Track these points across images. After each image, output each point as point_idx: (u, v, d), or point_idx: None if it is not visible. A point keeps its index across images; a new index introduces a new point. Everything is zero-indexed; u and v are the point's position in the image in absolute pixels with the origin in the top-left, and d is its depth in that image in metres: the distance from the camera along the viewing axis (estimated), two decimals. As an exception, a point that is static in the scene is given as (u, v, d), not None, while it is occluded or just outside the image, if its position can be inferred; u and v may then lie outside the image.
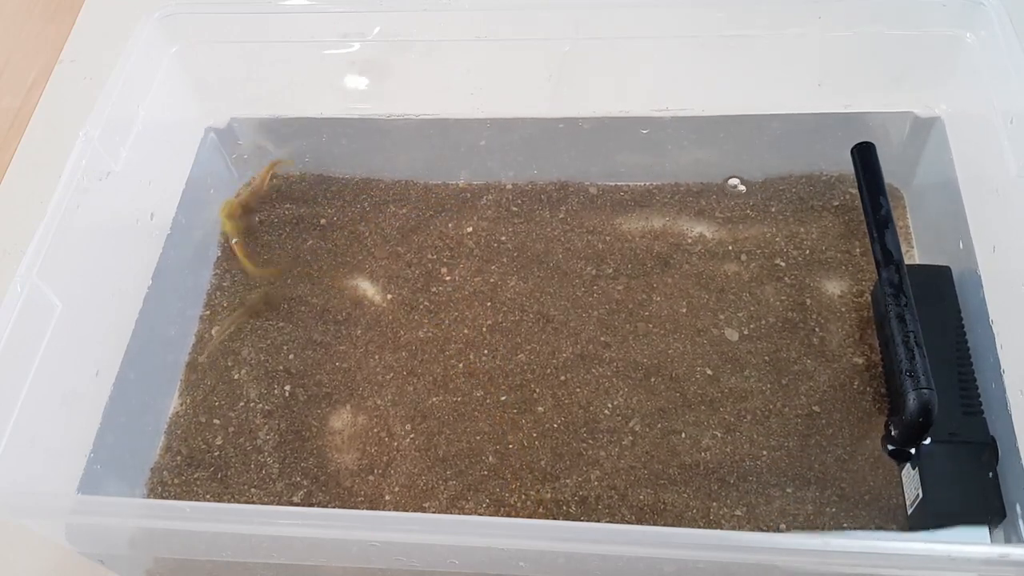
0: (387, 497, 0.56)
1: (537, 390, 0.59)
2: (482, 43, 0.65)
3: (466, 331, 0.62)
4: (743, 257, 0.64)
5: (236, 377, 0.61)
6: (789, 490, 0.54)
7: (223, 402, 0.60)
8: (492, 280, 0.64)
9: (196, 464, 0.58)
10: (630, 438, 0.57)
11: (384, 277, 0.65)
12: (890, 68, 0.64)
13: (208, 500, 0.56)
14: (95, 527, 0.48)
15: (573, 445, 0.57)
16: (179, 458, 0.58)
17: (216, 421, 0.59)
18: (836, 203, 0.66)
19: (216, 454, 0.58)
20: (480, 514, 0.54)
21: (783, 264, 0.64)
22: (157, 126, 0.63)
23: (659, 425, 0.57)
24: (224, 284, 0.66)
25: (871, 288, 0.61)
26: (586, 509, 0.54)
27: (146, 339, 0.61)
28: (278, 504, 0.55)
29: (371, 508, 0.55)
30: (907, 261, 0.59)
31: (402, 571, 0.49)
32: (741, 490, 0.54)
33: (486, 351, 0.61)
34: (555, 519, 0.54)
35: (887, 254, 0.57)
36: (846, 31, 0.62)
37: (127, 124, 0.60)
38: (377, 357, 0.61)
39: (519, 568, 0.46)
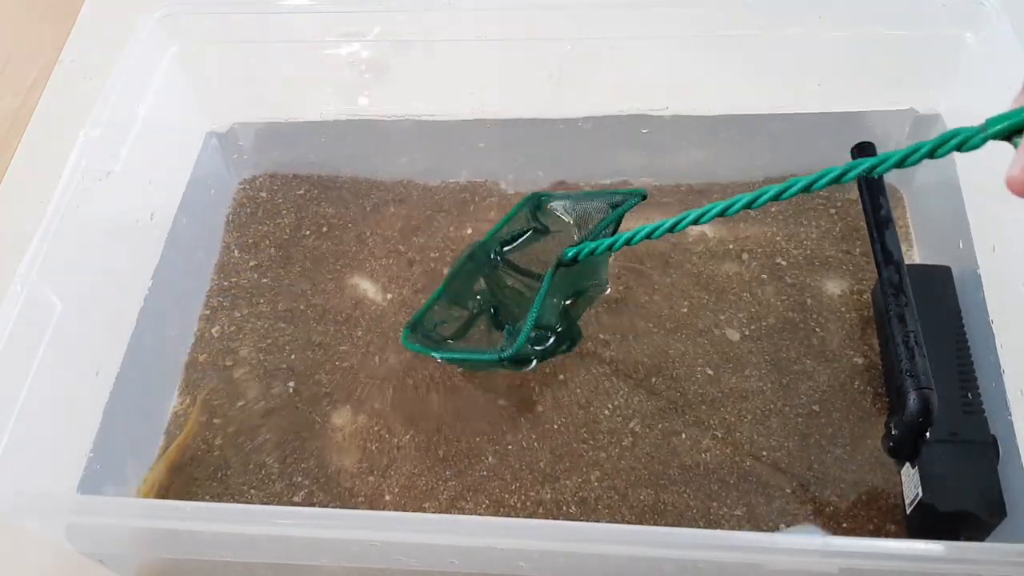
0: (387, 497, 0.56)
1: (537, 390, 0.59)
2: (482, 43, 0.65)
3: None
4: (744, 256, 0.64)
5: (236, 377, 0.61)
6: (789, 490, 0.54)
7: (223, 402, 0.60)
8: (492, 280, 0.64)
9: (196, 464, 0.58)
10: (630, 438, 0.57)
11: (384, 277, 0.65)
12: (890, 68, 0.65)
13: (208, 500, 0.56)
14: (95, 527, 0.48)
15: (573, 446, 0.57)
16: (179, 458, 0.58)
17: (216, 421, 0.59)
18: (836, 203, 0.66)
19: (216, 454, 0.58)
20: (480, 514, 0.54)
21: (783, 264, 0.64)
22: (157, 126, 0.63)
23: (659, 425, 0.57)
24: (224, 284, 0.66)
25: (871, 288, 0.62)
26: (586, 510, 0.54)
27: (146, 339, 0.61)
28: (278, 504, 0.55)
29: (371, 508, 0.55)
30: (907, 261, 0.59)
31: (402, 571, 0.49)
32: (741, 490, 0.54)
33: (486, 351, 0.61)
34: (555, 519, 0.54)
35: (887, 254, 0.57)
36: (846, 31, 0.62)
37: (127, 124, 0.60)
38: (377, 357, 0.61)
39: (519, 568, 0.46)
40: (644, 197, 0.56)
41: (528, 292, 0.58)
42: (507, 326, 0.56)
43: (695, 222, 0.45)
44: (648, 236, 0.48)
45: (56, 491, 0.52)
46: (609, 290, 0.62)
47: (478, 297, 0.60)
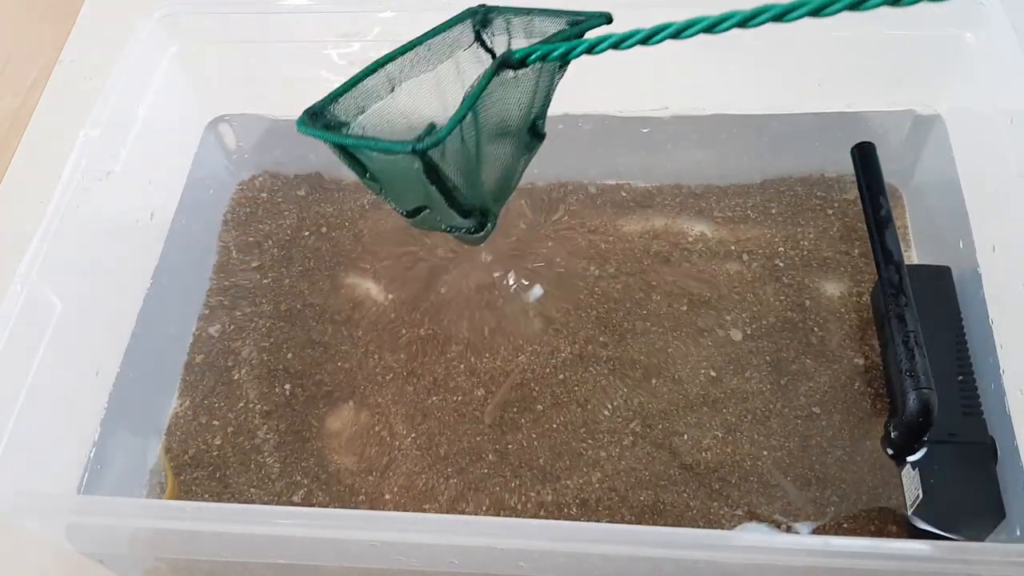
0: (387, 497, 0.56)
1: (538, 390, 0.59)
2: (482, 43, 0.65)
3: (466, 331, 0.62)
4: (744, 257, 0.64)
5: (236, 377, 0.61)
6: (789, 490, 0.54)
7: (223, 402, 0.60)
8: (492, 280, 0.64)
9: (196, 464, 0.58)
10: (631, 438, 0.57)
11: (384, 277, 0.65)
12: (890, 68, 0.64)
13: (208, 500, 0.56)
14: (95, 527, 0.48)
15: (573, 445, 0.57)
16: (179, 458, 0.58)
17: (216, 421, 0.59)
18: (836, 203, 0.66)
19: (216, 454, 0.58)
20: (481, 514, 0.54)
21: (783, 264, 0.64)
22: (157, 126, 0.63)
23: (660, 425, 0.57)
24: (224, 284, 0.66)
25: (871, 288, 0.62)
26: (587, 511, 0.54)
27: (146, 339, 0.61)
28: (278, 504, 0.56)
29: (371, 508, 0.55)
30: (907, 261, 0.59)
31: (402, 571, 0.49)
32: (742, 490, 0.54)
33: (487, 352, 0.61)
34: (555, 519, 0.54)
35: (887, 254, 0.57)
36: (846, 31, 0.62)
37: (127, 124, 0.60)
38: (377, 357, 0.61)
39: (519, 568, 0.46)
40: (609, 20, 0.48)
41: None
42: (432, 123, 0.45)
43: (675, 36, 0.40)
44: (615, 45, 0.42)
45: (56, 491, 0.52)
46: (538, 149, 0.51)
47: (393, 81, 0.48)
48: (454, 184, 0.45)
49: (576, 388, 0.59)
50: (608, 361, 0.60)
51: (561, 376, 0.59)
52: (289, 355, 0.62)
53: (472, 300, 0.63)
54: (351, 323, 0.63)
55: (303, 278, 0.66)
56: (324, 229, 0.68)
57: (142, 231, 0.63)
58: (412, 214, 0.49)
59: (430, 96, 0.48)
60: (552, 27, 0.48)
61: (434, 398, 0.59)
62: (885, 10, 0.63)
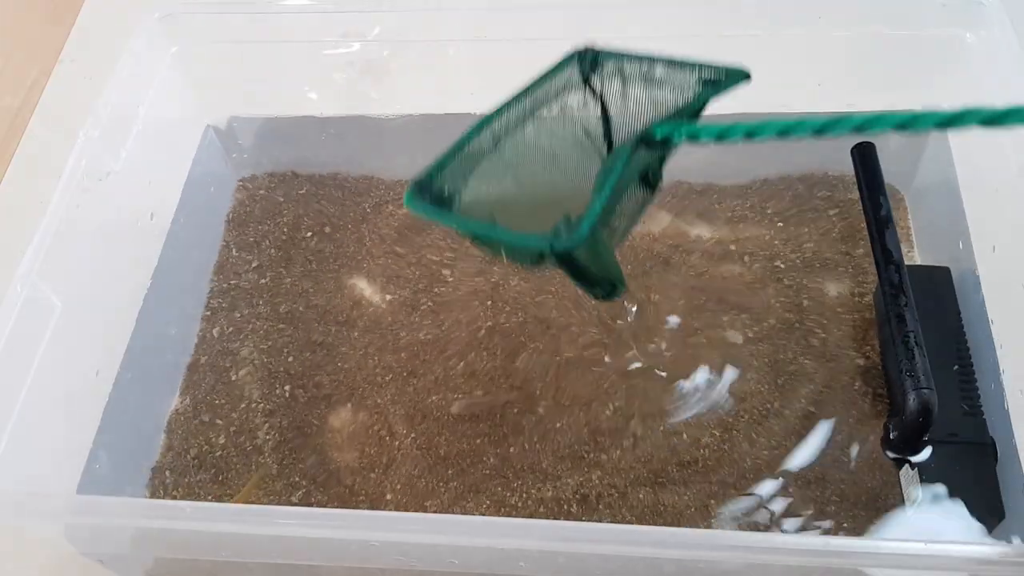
0: (388, 496, 0.56)
1: (538, 391, 0.59)
2: (482, 43, 0.65)
3: (466, 332, 0.62)
4: (744, 258, 0.64)
5: (236, 378, 0.61)
6: (789, 490, 0.54)
7: (223, 402, 0.60)
8: (493, 280, 0.64)
9: (196, 464, 0.58)
10: (631, 439, 0.57)
11: (384, 277, 0.65)
12: (890, 68, 0.64)
13: (208, 500, 0.56)
14: (95, 527, 0.48)
15: (575, 447, 0.57)
16: (179, 458, 0.58)
17: (217, 420, 0.59)
18: (836, 203, 0.66)
19: (216, 454, 0.58)
20: (481, 514, 0.54)
21: (783, 265, 0.64)
22: (157, 126, 0.63)
23: (660, 427, 0.57)
24: (224, 284, 0.66)
25: (871, 289, 0.62)
26: (587, 508, 0.54)
27: (146, 339, 0.61)
28: (278, 504, 0.56)
29: (372, 508, 0.55)
30: (907, 262, 0.59)
31: (402, 571, 0.49)
32: (740, 489, 0.54)
33: (486, 352, 0.61)
34: (556, 518, 0.54)
35: (887, 255, 0.57)
36: (846, 31, 0.62)
37: (127, 124, 0.60)
38: (377, 358, 0.61)
39: (519, 568, 0.46)
40: (748, 78, 0.40)
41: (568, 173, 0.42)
42: (565, 216, 0.40)
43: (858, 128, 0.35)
44: (782, 133, 0.35)
45: (56, 491, 0.52)
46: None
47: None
48: (585, 265, 0.41)
49: (579, 391, 0.59)
50: (610, 363, 0.60)
51: (563, 378, 0.59)
52: (290, 356, 0.62)
53: (471, 301, 0.63)
54: (351, 324, 0.63)
55: (303, 279, 0.66)
56: (326, 230, 0.68)
57: (142, 231, 0.63)
58: (535, 263, 0.44)
59: (536, 145, 0.44)
60: (676, 78, 0.41)
61: (434, 398, 0.59)
62: (886, 10, 0.63)
